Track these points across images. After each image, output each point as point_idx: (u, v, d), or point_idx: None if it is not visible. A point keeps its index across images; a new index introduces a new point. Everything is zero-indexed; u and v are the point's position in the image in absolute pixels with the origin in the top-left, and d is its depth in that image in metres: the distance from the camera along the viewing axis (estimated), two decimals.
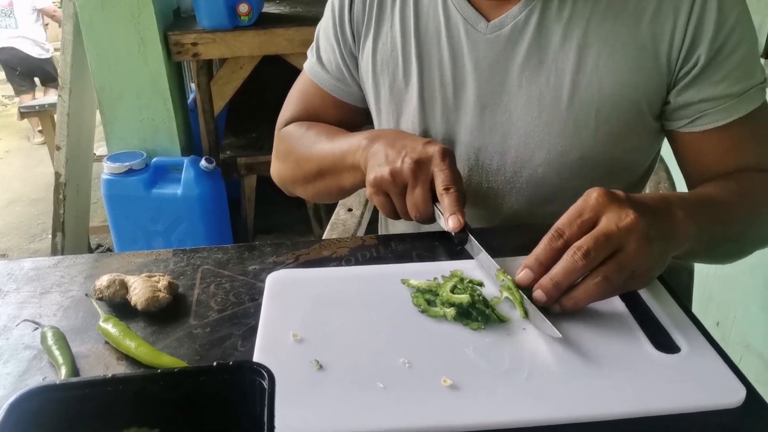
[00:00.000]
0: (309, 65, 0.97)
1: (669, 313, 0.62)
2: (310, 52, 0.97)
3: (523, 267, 0.62)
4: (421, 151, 0.73)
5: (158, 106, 2.19)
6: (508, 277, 0.63)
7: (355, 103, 0.96)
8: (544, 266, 0.60)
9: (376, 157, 0.76)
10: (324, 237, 1.05)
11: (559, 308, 0.60)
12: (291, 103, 1.00)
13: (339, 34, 0.90)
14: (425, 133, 0.86)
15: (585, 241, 0.58)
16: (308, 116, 0.97)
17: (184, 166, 2.18)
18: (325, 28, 0.94)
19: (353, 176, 0.83)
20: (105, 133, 2.26)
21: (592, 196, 0.61)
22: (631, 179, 0.88)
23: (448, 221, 0.70)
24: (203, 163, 2.19)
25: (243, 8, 2.10)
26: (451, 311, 0.61)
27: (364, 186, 0.80)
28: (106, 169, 2.15)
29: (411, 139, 0.77)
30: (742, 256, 0.81)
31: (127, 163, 2.14)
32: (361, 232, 1.09)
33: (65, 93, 2.31)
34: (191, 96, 2.56)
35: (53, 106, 2.83)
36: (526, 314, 0.60)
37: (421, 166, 0.72)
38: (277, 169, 1.00)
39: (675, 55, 0.76)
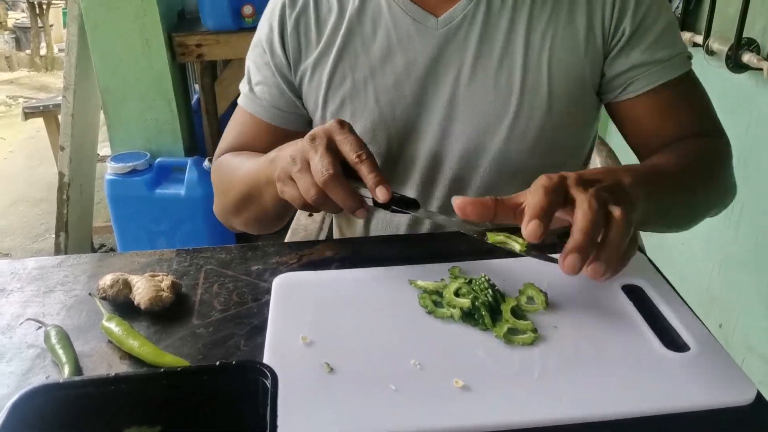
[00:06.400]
0: (242, 97, 0.94)
1: (676, 312, 0.62)
2: (243, 86, 0.94)
3: (528, 220, 0.55)
4: (315, 129, 0.69)
5: (162, 107, 2.20)
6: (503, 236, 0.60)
7: (287, 127, 0.92)
8: (549, 215, 0.55)
9: (282, 160, 0.71)
10: (286, 241, 1.04)
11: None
12: (226, 136, 0.96)
13: (272, 62, 0.89)
14: (387, 133, 0.86)
15: (590, 192, 0.55)
16: (241, 146, 0.94)
17: (188, 166, 2.18)
18: (255, 59, 0.92)
19: (271, 192, 0.76)
20: (109, 134, 2.26)
21: (542, 178, 0.57)
22: (580, 155, 0.93)
23: (375, 192, 0.64)
24: (206, 163, 2.19)
25: (247, 10, 2.11)
26: (457, 312, 0.61)
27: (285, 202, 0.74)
28: (110, 170, 2.16)
29: None
30: (693, 224, 0.81)
31: (131, 164, 2.14)
32: (322, 236, 1.08)
33: (70, 93, 2.31)
34: (195, 97, 2.56)
35: (57, 106, 2.82)
36: (525, 249, 0.58)
37: (315, 137, 0.67)
38: (215, 204, 0.96)
39: (606, 30, 0.83)
